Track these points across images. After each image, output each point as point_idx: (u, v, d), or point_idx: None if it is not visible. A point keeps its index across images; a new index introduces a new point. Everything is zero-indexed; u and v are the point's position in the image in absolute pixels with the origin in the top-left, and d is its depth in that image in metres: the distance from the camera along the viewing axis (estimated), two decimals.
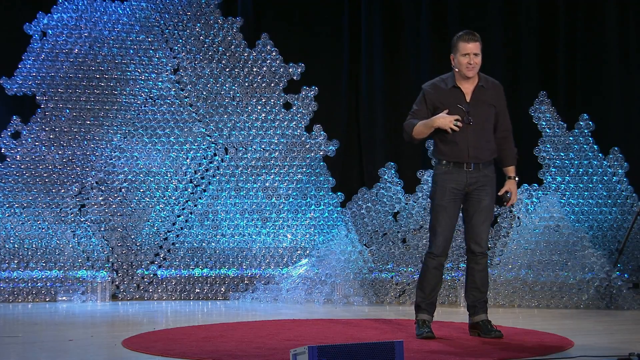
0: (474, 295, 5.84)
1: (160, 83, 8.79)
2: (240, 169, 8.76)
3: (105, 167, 8.64)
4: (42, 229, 8.44)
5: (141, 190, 8.67)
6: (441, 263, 5.81)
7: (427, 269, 5.81)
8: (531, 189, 8.31)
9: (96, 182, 8.64)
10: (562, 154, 8.44)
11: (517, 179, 5.88)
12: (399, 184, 8.59)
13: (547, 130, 8.48)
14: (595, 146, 8.46)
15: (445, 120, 5.61)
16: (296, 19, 9.68)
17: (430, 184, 6.16)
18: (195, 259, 8.61)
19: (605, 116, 9.04)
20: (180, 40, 8.84)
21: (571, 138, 8.46)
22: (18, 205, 8.46)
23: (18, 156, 8.54)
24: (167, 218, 8.67)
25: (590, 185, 8.41)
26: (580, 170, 8.42)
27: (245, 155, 8.77)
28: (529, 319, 7.00)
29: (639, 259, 8.21)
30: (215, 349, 5.35)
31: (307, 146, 8.81)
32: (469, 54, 5.65)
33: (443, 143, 5.73)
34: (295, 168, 8.78)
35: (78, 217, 8.54)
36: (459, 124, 5.60)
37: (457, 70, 5.74)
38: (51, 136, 8.59)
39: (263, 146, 8.78)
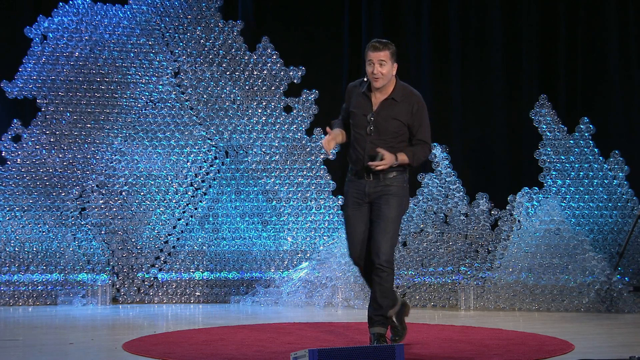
0: (372, 308, 5.40)
1: (160, 86, 8.79)
2: (240, 172, 8.76)
3: (105, 170, 8.64)
4: (43, 232, 8.44)
5: (142, 194, 8.67)
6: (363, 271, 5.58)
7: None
8: (532, 192, 8.31)
9: (97, 185, 8.64)
10: (562, 157, 8.44)
11: (397, 160, 5.33)
12: None
13: (548, 134, 8.48)
14: (595, 149, 8.46)
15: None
16: (297, 23, 9.68)
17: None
18: (195, 262, 8.61)
19: (605, 119, 9.05)
20: (181, 44, 8.85)
21: (572, 141, 8.46)
22: (19, 209, 8.46)
23: (19, 159, 8.54)
24: (168, 221, 8.67)
25: (591, 189, 8.41)
26: (581, 173, 8.42)
27: (246, 159, 8.77)
28: (529, 322, 6.99)
29: (639, 262, 8.21)
30: (215, 352, 5.35)
31: (308, 149, 8.81)
32: (373, 63, 5.38)
33: (350, 150, 5.61)
34: (296, 171, 8.78)
35: (78, 220, 8.54)
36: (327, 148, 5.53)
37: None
38: (52, 139, 8.59)
39: (263, 149, 8.78)
